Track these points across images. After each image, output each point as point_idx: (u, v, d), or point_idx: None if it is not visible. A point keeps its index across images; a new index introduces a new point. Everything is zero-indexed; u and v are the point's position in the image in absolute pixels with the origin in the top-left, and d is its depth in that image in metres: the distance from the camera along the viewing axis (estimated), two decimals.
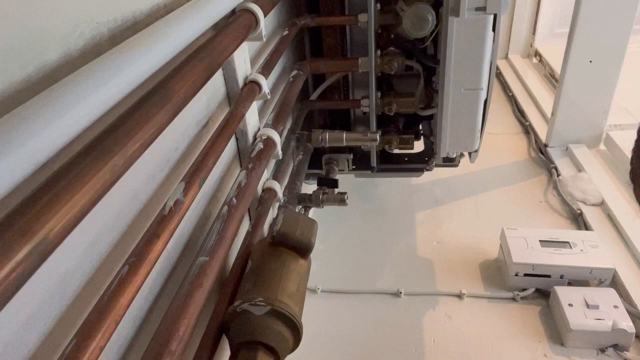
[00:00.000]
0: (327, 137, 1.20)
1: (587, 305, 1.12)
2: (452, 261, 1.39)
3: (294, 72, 1.13)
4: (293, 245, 0.70)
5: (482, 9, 1.01)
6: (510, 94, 2.36)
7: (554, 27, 2.63)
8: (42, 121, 0.33)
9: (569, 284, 1.23)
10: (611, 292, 1.15)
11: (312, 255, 0.73)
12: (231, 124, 0.66)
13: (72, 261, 0.42)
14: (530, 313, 1.22)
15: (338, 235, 1.54)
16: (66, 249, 0.34)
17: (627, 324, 1.06)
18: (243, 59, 0.78)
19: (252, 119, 0.82)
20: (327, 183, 1.17)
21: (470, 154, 1.26)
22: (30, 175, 0.31)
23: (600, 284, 1.22)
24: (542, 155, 1.84)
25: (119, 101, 0.41)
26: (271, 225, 0.72)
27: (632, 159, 0.52)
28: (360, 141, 1.23)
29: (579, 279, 1.23)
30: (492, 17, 1.02)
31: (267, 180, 0.89)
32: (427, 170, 1.38)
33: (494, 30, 1.04)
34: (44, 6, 0.39)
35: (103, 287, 0.42)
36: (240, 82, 0.77)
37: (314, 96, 1.37)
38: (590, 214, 1.44)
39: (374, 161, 1.36)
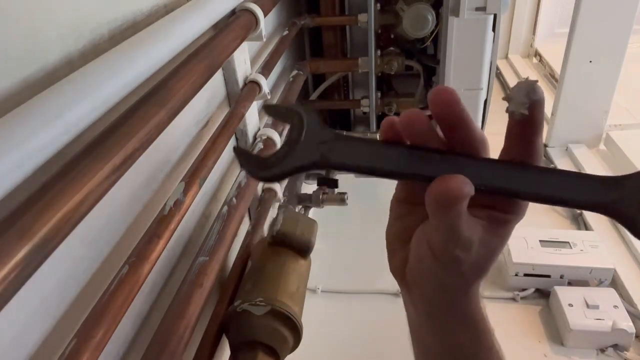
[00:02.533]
0: None
1: (587, 305, 1.11)
2: None
3: (294, 72, 1.13)
4: (293, 245, 0.70)
5: (482, 9, 1.01)
6: None
7: (554, 27, 2.63)
8: (42, 121, 0.33)
9: (569, 284, 1.23)
10: (611, 292, 1.15)
11: (312, 255, 0.73)
12: (231, 124, 0.66)
13: (72, 261, 0.41)
14: (530, 313, 1.22)
15: (338, 235, 1.54)
16: (66, 249, 0.34)
17: (627, 324, 1.06)
18: (243, 59, 0.78)
19: (252, 118, 0.82)
20: (327, 183, 1.17)
21: None
22: (30, 175, 0.31)
23: (600, 284, 1.22)
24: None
25: (119, 101, 0.41)
26: (271, 225, 0.72)
27: None
28: None
29: (579, 279, 1.23)
30: (492, 17, 1.02)
31: None
32: None
33: (494, 30, 1.04)
34: (44, 6, 0.39)
35: (103, 287, 0.42)
36: (240, 82, 0.77)
37: (314, 96, 1.37)
38: (590, 214, 1.44)
39: None
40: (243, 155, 0.32)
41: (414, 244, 0.33)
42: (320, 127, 0.31)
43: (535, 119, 0.28)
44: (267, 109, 0.34)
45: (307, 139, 0.31)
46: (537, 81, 0.26)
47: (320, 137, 0.31)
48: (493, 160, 0.30)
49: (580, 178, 0.28)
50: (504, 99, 0.28)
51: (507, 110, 0.28)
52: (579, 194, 0.28)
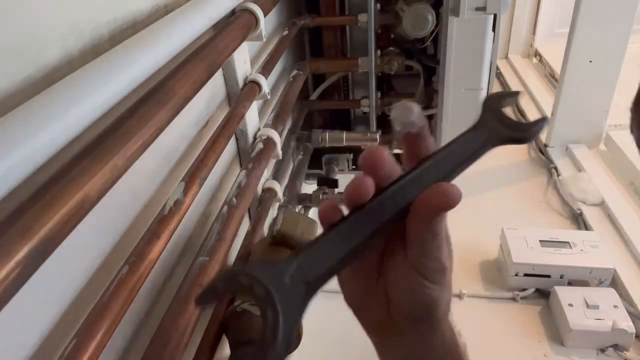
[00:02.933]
0: (327, 137, 1.20)
1: (587, 305, 1.11)
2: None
3: (294, 72, 1.13)
4: (293, 245, 0.70)
5: (482, 9, 1.01)
6: None
7: (554, 27, 2.63)
8: (42, 121, 0.33)
9: (569, 284, 1.23)
10: (611, 292, 1.15)
11: None
12: (231, 124, 0.66)
13: (72, 261, 0.42)
14: (530, 313, 1.22)
15: None
16: (66, 249, 0.34)
17: (627, 324, 1.06)
18: (243, 59, 0.78)
19: (252, 119, 0.82)
20: (327, 183, 1.17)
21: None
22: (30, 175, 0.31)
23: (600, 284, 1.22)
24: (542, 155, 1.84)
25: (119, 101, 0.41)
26: (271, 225, 0.72)
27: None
28: (360, 141, 1.23)
29: (579, 279, 1.23)
30: (492, 17, 1.02)
31: (267, 180, 0.89)
32: None
33: (494, 30, 1.04)
34: (44, 6, 0.39)
35: (103, 287, 0.42)
36: (240, 82, 0.77)
37: (314, 96, 1.37)
38: (590, 214, 1.44)
39: None
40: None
41: (398, 282, 0.32)
42: (274, 267, 0.26)
43: (424, 127, 0.31)
44: (201, 300, 0.26)
45: (278, 288, 0.25)
46: (408, 100, 0.30)
47: (284, 275, 0.26)
48: (424, 167, 0.32)
49: (468, 135, 0.33)
50: (393, 127, 0.31)
51: (400, 133, 0.31)
52: (476, 147, 0.32)
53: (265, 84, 0.79)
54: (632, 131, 0.47)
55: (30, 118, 0.32)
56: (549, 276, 1.23)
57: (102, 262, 0.46)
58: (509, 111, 0.33)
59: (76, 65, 0.41)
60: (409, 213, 0.29)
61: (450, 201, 0.29)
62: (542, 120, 0.32)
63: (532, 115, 2.09)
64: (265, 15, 0.75)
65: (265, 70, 0.85)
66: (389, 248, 0.32)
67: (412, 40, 1.19)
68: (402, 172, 0.31)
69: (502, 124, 0.32)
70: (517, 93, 0.34)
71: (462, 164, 0.32)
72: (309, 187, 1.37)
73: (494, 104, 0.33)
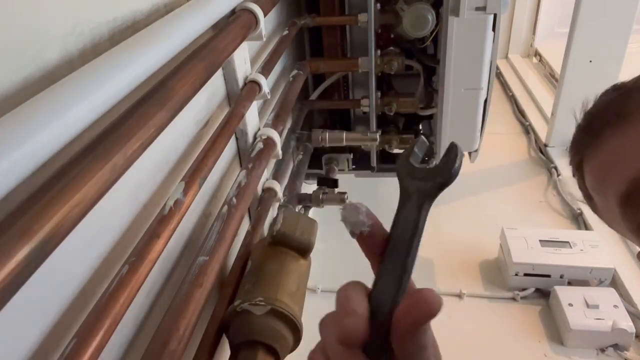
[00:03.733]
0: (327, 137, 1.20)
1: (587, 305, 1.12)
2: (452, 261, 1.39)
3: (294, 72, 1.13)
4: (293, 245, 0.70)
5: (482, 8, 1.01)
6: (510, 94, 2.36)
7: (554, 27, 2.63)
8: (42, 121, 0.33)
9: (569, 283, 1.23)
10: (611, 292, 1.15)
11: (312, 255, 0.73)
12: (231, 123, 0.66)
13: (72, 261, 0.42)
14: (530, 313, 1.22)
15: (338, 235, 1.53)
16: (66, 249, 0.34)
17: (627, 324, 1.06)
18: (243, 59, 0.78)
19: (252, 118, 0.82)
20: (327, 183, 1.17)
21: (470, 153, 1.26)
22: (30, 175, 0.31)
23: (600, 283, 1.22)
24: (542, 155, 1.84)
25: (119, 101, 0.41)
26: (271, 225, 0.72)
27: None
28: (360, 141, 1.23)
29: (579, 279, 1.23)
30: (492, 17, 1.02)
31: (267, 180, 0.89)
32: None
33: (494, 30, 1.04)
34: (44, 6, 0.39)
35: (103, 287, 0.42)
36: (240, 82, 0.77)
37: (314, 96, 1.37)
38: (590, 214, 1.44)
39: (374, 161, 1.36)
40: None
41: None
42: None
43: (374, 224, 0.31)
44: None
45: None
46: (355, 202, 0.31)
47: None
48: (383, 269, 0.32)
49: (403, 210, 0.32)
50: (348, 229, 0.31)
51: (353, 235, 0.31)
52: (415, 217, 0.32)
53: (265, 84, 0.79)
54: (573, 175, 0.47)
55: (30, 118, 0.32)
56: (549, 276, 1.23)
57: (102, 262, 0.46)
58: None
59: (76, 65, 0.41)
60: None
61: (432, 309, 0.27)
62: (453, 149, 0.30)
63: (533, 114, 2.09)
64: (265, 15, 0.75)
65: (265, 70, 0.85)
66: None
67: (412, 40, 1.19)
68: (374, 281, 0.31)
69: (419, 180, 0.31)
70: (420, 139, 0.33)
71: (414, 241, 0.32)
72: (309, 187, 1.37)
73: (405, 165, 0.32)
